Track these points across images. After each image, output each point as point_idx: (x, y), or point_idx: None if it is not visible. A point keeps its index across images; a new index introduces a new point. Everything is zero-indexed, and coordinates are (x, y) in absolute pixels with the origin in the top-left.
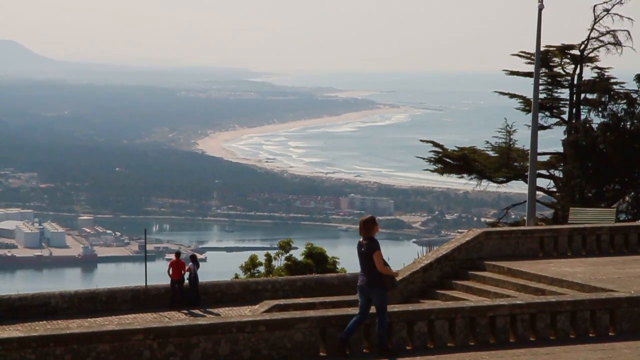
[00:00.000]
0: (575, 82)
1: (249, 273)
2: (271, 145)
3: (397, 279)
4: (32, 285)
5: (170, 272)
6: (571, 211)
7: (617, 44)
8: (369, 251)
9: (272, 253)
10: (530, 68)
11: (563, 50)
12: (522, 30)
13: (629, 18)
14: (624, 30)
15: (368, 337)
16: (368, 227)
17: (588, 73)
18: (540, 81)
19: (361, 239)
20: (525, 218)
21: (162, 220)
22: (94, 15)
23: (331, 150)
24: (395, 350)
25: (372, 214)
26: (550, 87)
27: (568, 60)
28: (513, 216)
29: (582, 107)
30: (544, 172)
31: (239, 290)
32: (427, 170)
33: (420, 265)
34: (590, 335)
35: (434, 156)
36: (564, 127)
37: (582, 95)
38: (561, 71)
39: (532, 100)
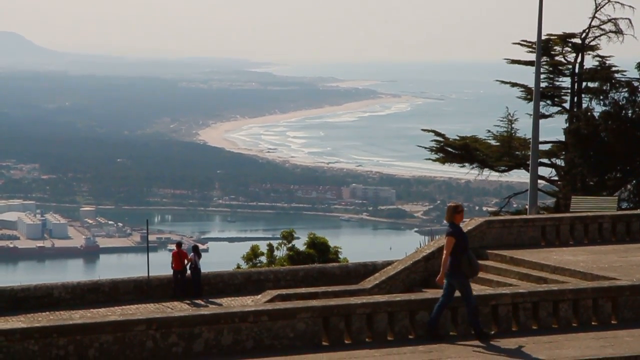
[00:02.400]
0: (576, 70)
1: (250, 263)
2: (271, 136)
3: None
4: (35, 277)
5: (172, 263)
6: (573, 200)
7: (619, 32)
8: (445, 235)
9: (274, 243)
10: (532, 57)
11: (564, 38)
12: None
13: (630, 6)
14: (625, 19)
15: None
16: (449, 213)
17: (589, 61)
18: (542, 70)
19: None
20: (527, 207)
21: (164, 211)
22: (96, 6)
23: (332, 140)
24: (491, 335)
25: (374, 203)
26: (551, 76)
27: (569, 49)
28: (515, 205)
29: (583, 95)
30: (545, 160)
31: (241, 281)
32: (429, 159)
33: (423, 254)
34: (593, 323)
35: (435, 145)
36: (565, 116)
37: (584, 84)
38: (562, 60)
39: (533, 88)
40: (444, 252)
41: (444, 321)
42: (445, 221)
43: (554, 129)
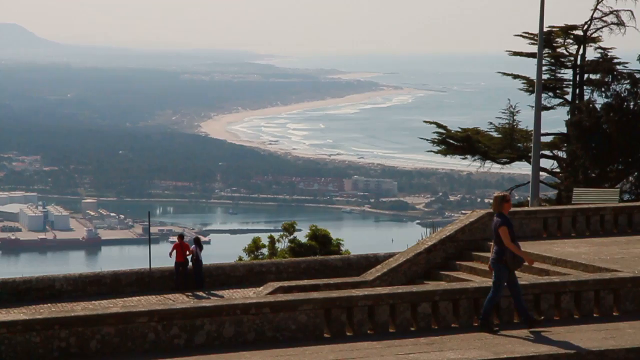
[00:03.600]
0: (578, 62)
1: (252, 255)
2: (272, 128)
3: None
4: (37, 269)
5: (174, 255)
6: (575, 192)
7: (621, 24)
8: (496, 226)
9: (276, 235)
10: (534, 49)
11: (566, 30)
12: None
13: None
14: (627, 10)
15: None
16: (497, 203)
17: (591, 53)
18: (544, 62)
19: (495, 217)
20: (529, 199)
21: (165, 203)
22: None
23: (333, 132)
24: (498, 329)
25: (376, 195)
26: (553, 68)
27: (571, 41)
28: (517, 197)
29: (585, 87)
30: (547, 152)
31: (243, 273)
32: (431, 151)
33: (424, 246)
34: (594, 315)
35: (437, 137)
36: (567, 108)
37: (586, 76)
38: (564, 52)
39: (535, 80)
40: (505, 242)
41: (446, 313)
42: (493, 211)
43: (556, 120)
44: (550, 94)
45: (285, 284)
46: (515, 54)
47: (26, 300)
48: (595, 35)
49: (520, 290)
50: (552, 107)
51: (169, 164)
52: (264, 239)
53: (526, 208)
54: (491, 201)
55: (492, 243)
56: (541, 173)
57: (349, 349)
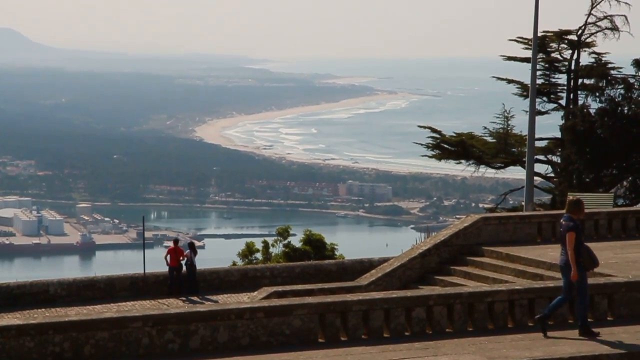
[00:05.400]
0: (572, 67)
1: (246, 260)
2: (265, 133)
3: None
4: (31, 273)
5: (168, 260)
6: (569, 196)
7: (615, 29)
8: (564, 230)
9: (270, 240)
10: (528, 53)
11: (560, 35)
12: (520, 16)
13: (626, 3)
14: (621, 15)
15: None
16: (570, 207)
17: (585, 58)
18: (538, 66)
19: (562, 220)
20: (523, 203)
21: (160, 208)
22: (93, 2)
23: (327, 136)
24: (597, 334)
25: (370, 200)
26: (547, 73)
27: (565, 46)
28: (511, 202)
29: (579, 92)
30: (541, 157)
31: (237, 277)
32: (425, 156)
33: (419, 251)
34: (589, 320)
35: (432, 142)
36: (561, 113)
37: (580, 81)
38: (559, 56)
39: (529, 85)
40: (568, 248)
41: (440, 318)
42: (565, 214)
43: (550, 125)
44: (545, 98)
45: (280, 288)
46: (510, 58)
47: (20, 305)
48: (589, 40)
49: (570, 297)
50: (546, 112)
51: (164, 168)
52: (258, 244)
53: (520, 213)
54: (485, 206)
55: (561, 246)
56: (535, 178)
57: (343, 353)
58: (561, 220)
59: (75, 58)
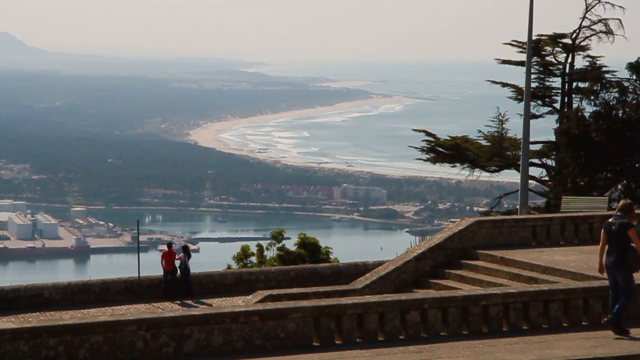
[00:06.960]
0: (567, 70)
1: (241, 263)
2: (259, 136)
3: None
4: (25, 277)
5: (163, 264)
6: (564, 200)
7: (609, 32)
8: (620, 230)
9: (265, 243)
10: (522, 57)
11: (555, 39)
12: (514, 19)
13: (620, 6)
14: (616, 19)
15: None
16: (624, 208)
17: (580, 62)
18: (532, 70)
19: (611, 219)
20: (518, 207)
21: (154, 211)
22: (87, 6)
23: (320, 140)
24: (629, 333)
25: (365, 204)
26: (542, 76)
27: (560, 49)
28: (506, 205)
29: (574, 95)
30: (536, 161)
31: (232, 281)
32: (420, 159)
33: (413, 254)
34: (583, 323)
35: (426, 145)
36: (556, 116)
37: (574, 84)
38: (553, 60)
39: (524, 89)
40: (635, 241)
41: (435, 321)
42: (618, 213)
43: (545, 129)
44: (539, 102)
45: (274, 292)
46: (504, 62)
47: (14, 308)
48: (583, 43)
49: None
50: (540, 116)
51: (158, 172)
52: (253, 247)
53: (515, 216)
54: (480, 209)
55: (608, 246)
56: (530, 181)
57: (338, 357)
58: (611, 220)
59: (70, 62)
